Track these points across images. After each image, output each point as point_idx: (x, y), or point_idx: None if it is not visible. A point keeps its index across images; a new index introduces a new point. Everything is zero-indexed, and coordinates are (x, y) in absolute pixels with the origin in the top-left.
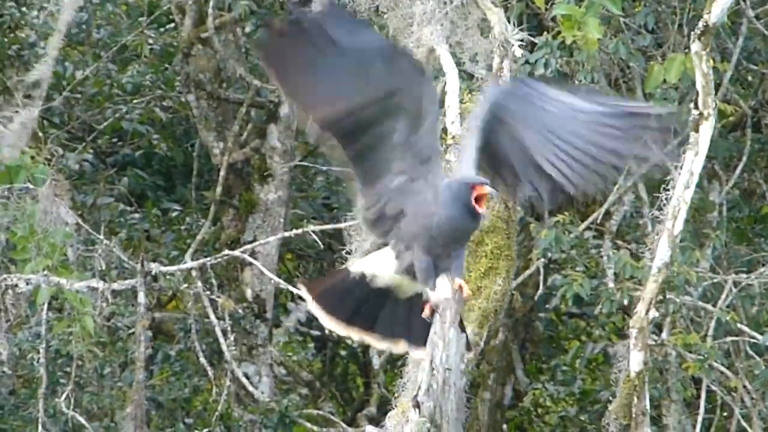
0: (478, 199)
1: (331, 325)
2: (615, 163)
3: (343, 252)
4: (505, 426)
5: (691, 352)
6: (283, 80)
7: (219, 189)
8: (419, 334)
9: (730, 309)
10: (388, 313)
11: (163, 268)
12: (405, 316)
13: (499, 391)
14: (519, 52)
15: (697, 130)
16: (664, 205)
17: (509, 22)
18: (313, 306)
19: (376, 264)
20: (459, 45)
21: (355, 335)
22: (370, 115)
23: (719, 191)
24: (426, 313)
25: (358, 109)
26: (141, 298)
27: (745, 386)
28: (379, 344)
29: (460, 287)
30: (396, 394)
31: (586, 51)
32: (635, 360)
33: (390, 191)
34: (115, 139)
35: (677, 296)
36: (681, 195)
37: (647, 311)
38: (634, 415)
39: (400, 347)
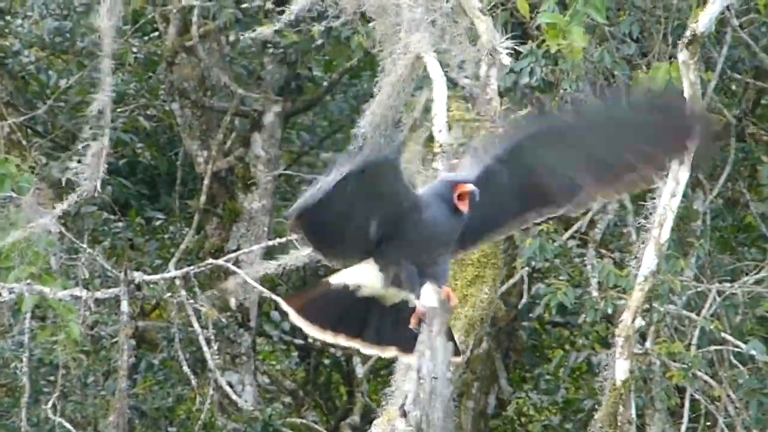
0: (460, 197)
1: (318, 334)
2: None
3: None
4: None
5: (675, 361)
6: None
7: (203, 198)
8: (408, 340)
9: (714, 318)
10: (375, 319)
11: (147, 277)
12: (392, 322)
13: (482, 400)
14: (507, 61)
15: None
16: (650, 213)
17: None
18: (297, 319)
19: (358, 276)
20: (446, 52)
21: (343, 341)
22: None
23: (703, 200)
24: (413, 323)
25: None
26: (124, 306)
27: (728, 395)
28: (367, 350)
29: (448, 296)
30: (382, 403)
31: (571, 60)
32: (621, 368)
33: (365, 243)
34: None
35: (661, 305)
36: (667, 203)
37: (633, 320)
38: (619, 424)
39: (388, 353)
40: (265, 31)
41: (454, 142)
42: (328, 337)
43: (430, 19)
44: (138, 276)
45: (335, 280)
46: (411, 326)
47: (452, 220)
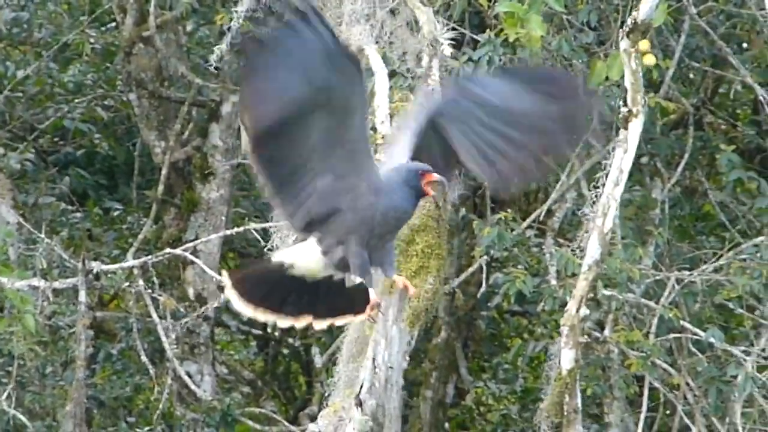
0: (431, 185)
1: (242, 308)
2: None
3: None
4: (447, 424)
5: (633, 349)
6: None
7: (161, 188)
8: (324, 309)
9: (672, 306)
10: (296, 294)
11: (105, 267)
12: (312, 295)
13: (441, 389)
14: (448, 51)
15: (626, 128)
16: (595, 202)
17: (450, 19)
18: (229, 291)
19: (297, 255)
20: (388, 45)
21: (261, 317)
22: (294, 115)
23: (661, 189)
24: (368, 313)
25: (291, 108)
26: (82, 296)
27: (687, 383)
28: (282, 322)
29: (405, 285)
30: (327, 393)
31: (529, 48)
32: (566, 358)
33: (315, 194)
34: (56, 139)
35: (620, 293)
36: (611, 192)
37: (578, 309)
38: (566, 413)
39: (302, 322)
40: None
41: None
42: (250, 311)
43: (371, 11)
44: (96, 266)
45: (275, 258)
46: (366, 316)
47: (411, 206)
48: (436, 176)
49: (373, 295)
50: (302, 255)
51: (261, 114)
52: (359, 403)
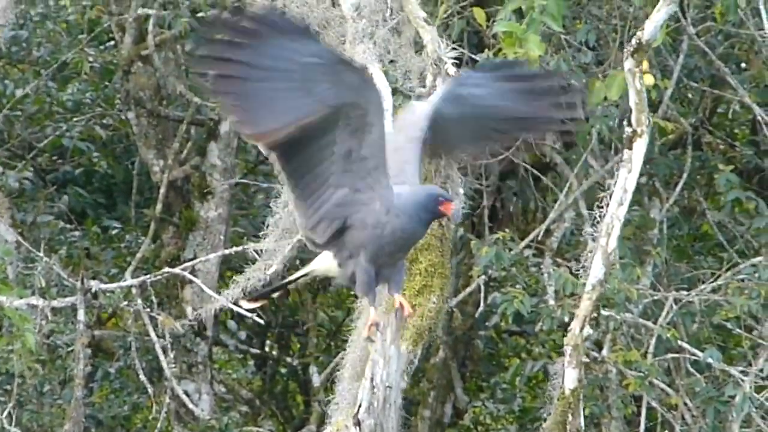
0: (443, 214)
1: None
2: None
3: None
4: None
5: (631, 369)
6: (223, 95)
7: (159, 206)
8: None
9: (670, 326)
10: None
11: (103, 286)
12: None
13: (438, 409)
14: (452, 70)
15: (630, 147)
16: (599, 222)
17: (449, 39)
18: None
19: (317, 264)
20: (392, 63)
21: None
22: (314, 129)
23: (660, 209)
24: (366, 331)
25: (304, 125)
26: (81, 315)
27: (685, 403)
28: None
29: (401, 305)
30: (327, 412)
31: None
32: (570, 377)
33: (331, 205)
34: (55, 157)
35: (618, 313)
36: (614, 212)
37: (581, 328)
38: None
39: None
40: None
41: None
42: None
43: (375, 29)
44: (94, 285)
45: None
46: (364, 336)
47: (423, 229)
48: (455, 205)
49: (373, 313)
50: (323, 264)
51: (264, 136)
52: (357, 423)
